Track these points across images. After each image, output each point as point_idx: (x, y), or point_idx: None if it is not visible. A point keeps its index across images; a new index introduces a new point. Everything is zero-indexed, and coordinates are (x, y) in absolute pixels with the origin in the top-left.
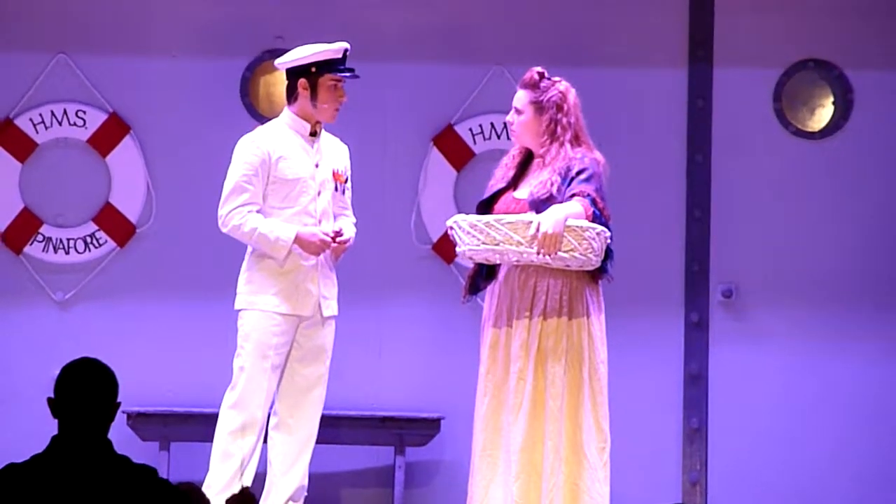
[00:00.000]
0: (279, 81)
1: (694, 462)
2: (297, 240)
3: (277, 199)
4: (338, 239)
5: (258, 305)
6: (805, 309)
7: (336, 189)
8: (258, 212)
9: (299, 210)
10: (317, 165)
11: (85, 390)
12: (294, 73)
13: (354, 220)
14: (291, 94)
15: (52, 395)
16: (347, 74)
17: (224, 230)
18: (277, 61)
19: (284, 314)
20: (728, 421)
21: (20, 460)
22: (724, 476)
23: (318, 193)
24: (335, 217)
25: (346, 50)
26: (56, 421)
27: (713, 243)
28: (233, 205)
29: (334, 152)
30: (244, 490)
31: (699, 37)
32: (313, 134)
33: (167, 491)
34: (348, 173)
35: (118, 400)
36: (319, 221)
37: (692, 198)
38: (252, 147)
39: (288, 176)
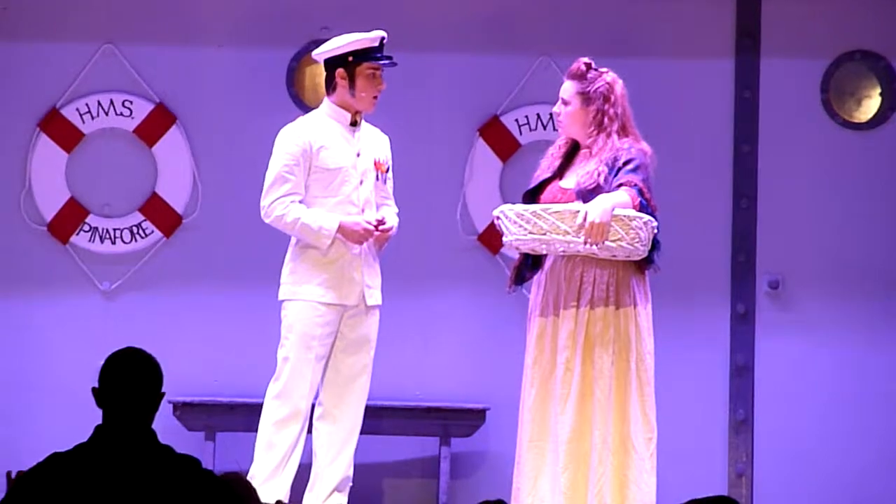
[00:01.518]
0: (324, 72)
1: (740, 454)
2: (341, 229)
3: (320, 188)
4: (381, 227)
5: (302, 296)
6: (852, 300)
7: (378, 178)
8: (301, 202)
9: (342, 199)
10: (358, 154)
11: (129, 380)
12: (332, 64)
13: (397, 209)
14: (330, 85)
15: (96, 385)
16: (385, 62)
17: (267, 221)
18: (315, 52)
19: (328, 304)
20: (774, 412)
21: (64, 450)
22: (771, 468)
23: (361, 182)
24: (378, 207)
25: (382, 38)
26: (100, 411)
27: (759, 234)
28: (275, 195)
29: (375, 142)
30: None
31: (746, 27)
32: (354, 124)
33: (209, 481)
34: (389, 163)
35: (162, 390)
36: (362, 210)
37: (738, 188)
38: (293, 137)
39: (329, 165)
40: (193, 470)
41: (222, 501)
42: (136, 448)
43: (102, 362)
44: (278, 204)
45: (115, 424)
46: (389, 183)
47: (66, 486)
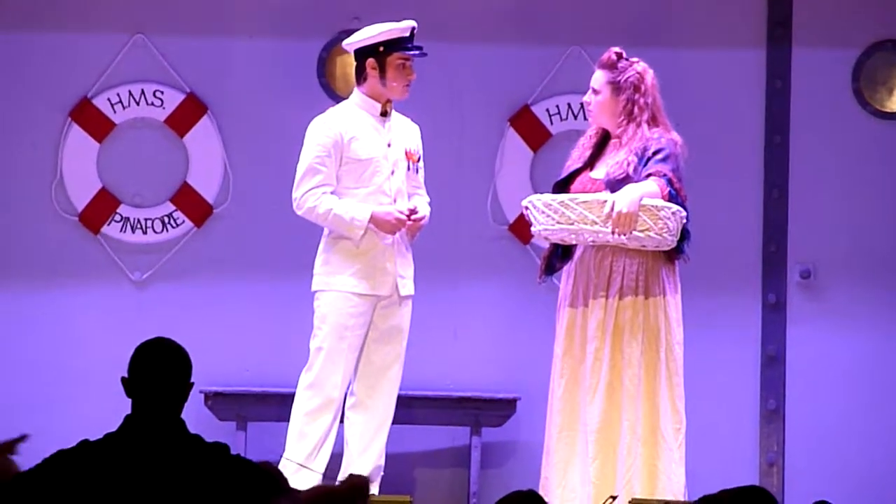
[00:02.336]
0: (355, 62)
1: (771, 443)
2: (373, 219)
3: (351, 179)
4: (413, 217)
5: (335, 286)
6: (883, 289)
7: (409, 168)
8: (332, 193)
9: (374, 190)
10: (389, 145)
11: (158, 370)
12: (362, 54)
13: (428, 199)
14: (360, 75)
15: (125, 376)
16: (415, 52)
17: (299, 213)
18: (345, 42)
19: (361, 294)
20: (806, 402)
21: (94, 438)
22: (802, 457)
23: (392, 172)
24: (409, 196)
25: (413, 28)
26: (130, 400)
27: (791, 224)
28: (307, 187)
29: (406, 132)
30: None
31: (778, 17)
32: (384, 114)
33: (240, 465)
34: (421, 153)
35: (191, 380)
36: (394, 200)
37: (770, 178)
38: (324, 128)
39: (361, 156)
40: (223, 456)
41: (253, 484)
42: (165, 437)
43: (132, 353)
44: (310, 195)
45: (145, 414)
46: (421, 173)
47: (96, 474)
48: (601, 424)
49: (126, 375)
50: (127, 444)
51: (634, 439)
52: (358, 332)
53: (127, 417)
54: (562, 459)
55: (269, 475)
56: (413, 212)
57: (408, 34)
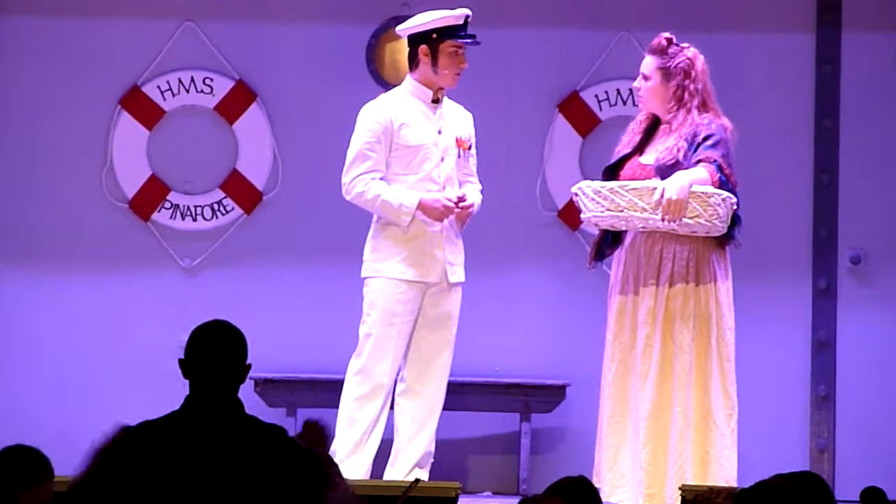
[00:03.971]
0: (404, 48)
1: (822, 429)
2: (421, 206)
3: (401, 166)
4: (461, 204)
5: (384, 273)
6: None
7: (460, 156)
8: (381, 179)
9: (423, 176)
10: (439, 132)
11: (216, 351)
12: (415, 40)
13: (480, 186)
14: (413, 61)
15: (182, 357)
16: (468, 41)
17: (348, 198)
18: (399, 28)
19: (410, 281)
20: (856, 388)
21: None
22: (853, 443)
23: (442, 160)
24: (460, 184)
25: (467, 16)
26: (182, 385)
27: (841, 209)
28: (356, 172)
29: (458, 119)
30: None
31: (827, 1)
32: (436, 101)
33: (294, 450)
34: (472, 140)
35: (248, 362)
36: (444, 188)
37: (820, 163)
38: (374, 114)
39: (410, 142)
40: (280, 438)
41: (306, 470)
42: (225, 417)
43: (188, 336)
44: (359, 181)
45: (203, 395)
46: (472, 160)
47: (157, 453)
48: (652, 411)
49: (182, 357)
50: (188, 423)
51: (686, 425)
52: (407, 319)
53: (187, 398)
54: (612, 445)
55: (320, 464)
56: (461, 199)
57: (461, 22)
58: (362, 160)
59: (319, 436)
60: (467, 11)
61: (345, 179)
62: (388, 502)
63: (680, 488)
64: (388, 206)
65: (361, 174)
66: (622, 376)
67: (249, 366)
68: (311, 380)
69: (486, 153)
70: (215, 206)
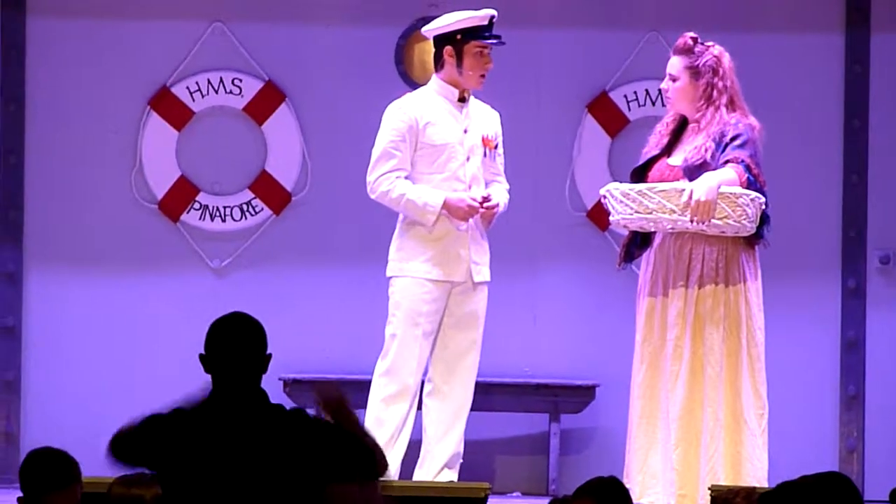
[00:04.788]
0: (432, 49)
1: (851, 429)
2: (446, 205)
3: (426, 165)
4: (486, 204)
5: (409, 272)
6: None
7: (486, 155)
8: (407, 178)
9: (448, 176)
10: (465, 131)
11: (234, 342)
12: (440, 41)
13: (507, 186)
14: (438, 61)
15: (202, 353)
16: (493, 41)
17: (373, 196)
18: (424, 29)
19: (435, 280)
20: (886, 388)
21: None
22: (882, 443)
23: (468, 159)
24: (487, 183)
25: (492, 17)
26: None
27: (870, 209)
28: (381, 171)
29: (484, 118)
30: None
31: (856, 1)
32: (462, 100)
33: (319, 427)
34: (499, 139)
35: (268, 351)
36: (469, 187)
37: (849, 163)
38: (399, 113)
39: (436, 141)
40: (303, 420)
41: (330, 440)
42: (251, 406)
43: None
44: (384, 180)
45: (226, 386)
46: (499, 159)
47: (189, 439)
48: (683, 411)
49: (203, 353)
50: (217, 411)
51: (717, 426)
52: (432, 319)
53: (211, 392)
54: (642, 446)
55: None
56: (486, 199)
57: (486, 23)
58: (387, 159)
59: (334, 393)
60: (492, 12)
61: (370, 178)
62: (417, 503)
63: (709, 489)
64: (412, 205)
65: (386, 173)
66: (652, 377)
67: (270, 356)
68: (339, 380)
69: (515, 153)
70: (244, 207)
